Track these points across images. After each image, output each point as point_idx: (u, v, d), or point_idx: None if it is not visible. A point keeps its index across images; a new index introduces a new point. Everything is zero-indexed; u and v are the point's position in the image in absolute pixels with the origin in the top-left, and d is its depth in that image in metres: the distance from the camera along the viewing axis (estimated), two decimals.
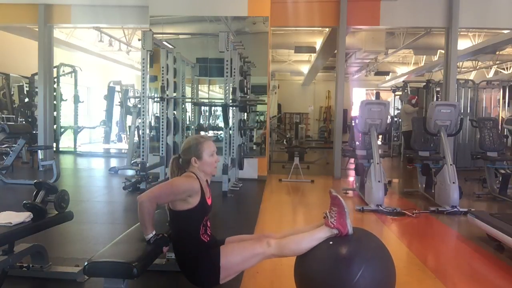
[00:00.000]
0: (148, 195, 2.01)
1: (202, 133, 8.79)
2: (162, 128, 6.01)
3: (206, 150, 2.18)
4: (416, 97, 9.36)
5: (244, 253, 2.12)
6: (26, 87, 9.95)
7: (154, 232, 2.06)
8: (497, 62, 13.97)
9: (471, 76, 14.99)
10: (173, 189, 2.08)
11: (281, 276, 2.67)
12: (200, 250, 2.10)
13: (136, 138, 7.51)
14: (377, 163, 4.81)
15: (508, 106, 9.95)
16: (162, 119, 6.03)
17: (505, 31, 8.51)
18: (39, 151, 7.14)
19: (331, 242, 2.03)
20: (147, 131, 5.66)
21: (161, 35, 6.90)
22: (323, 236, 2.06)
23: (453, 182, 4.68)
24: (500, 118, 9.38)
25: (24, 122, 9.11)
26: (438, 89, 9.54)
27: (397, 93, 12.14)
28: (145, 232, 2.06)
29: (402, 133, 9.50)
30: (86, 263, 1.88)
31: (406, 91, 10.92)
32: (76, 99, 10.89)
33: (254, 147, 8.46)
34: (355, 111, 10.85)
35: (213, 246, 2.15)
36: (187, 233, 2.12)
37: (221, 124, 6.24)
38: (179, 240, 2.15)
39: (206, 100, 8.83)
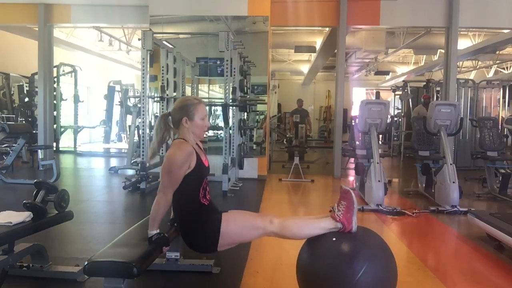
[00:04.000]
0: (161, 191, 2.04)
1: None
2: None
3: (199, 113, 2.16)
4: (429, 96, 9.11)
5: (245, 223, 2.12)
6: (26, 86, 9.94)
7: (158, 230, 2.06)
8: (497, 61, 13.95)
9: (471, 75, 14.97)
10: (175, 164, 2.05)
11: (281, 275, 2.67)
12: (200, 213, 2.11)
13: (136, 138, 7.50)
14: (377, 163, 4.81)
15: (508, 105, 9.94)
16: None
17: (505, 31, 8.50)
18: (39, 150, 7.15)
19: (334, 239, 2.01)
20: (147, 130, 5.66)
21: (161, 35, 6.90)
22: (327, 227, 2.04)
23: (453, 182, 4.68)
24: (500, 117, 9.37)
25: (24, 121, 9.12)
26: (438, 88, 9.54)
27: (397, 92, 12.14)
28: (151, 227, 2.06)
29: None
30: (86, 263, 1.88)
31: (406, 90, 10.92)
32: (76, 99, 10.89)
33: (254, 146, 8.46)
34: (355, 111, 10.85)
35: (214, 211, 2.15)
36: (187, 197, 2.12)
37: (221, 124, 6.24)
38: (180, 205, 2.15)
39: (206, 100, 8.83)
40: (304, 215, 4.88)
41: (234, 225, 2.10)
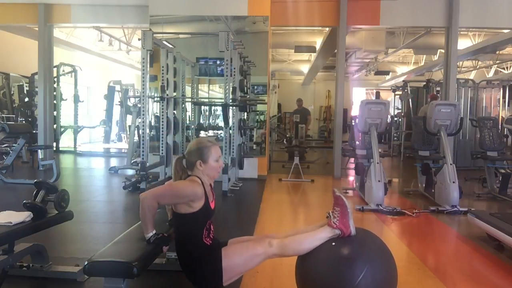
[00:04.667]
0: (150, 194, 2.02)
1: (202, 132, 8.79)
2: (162, 128, 6.01)
3: (213, 155, 2.17)
4: (437, 95, 8.93)
5: (245, 253, 2.11)
6: (26, 86, 9.94)
7: (154, 231, 2.06)
8: (497, 61, 13.95)
9: (471, 75, 14.97)
10: (176, 192, 2.08)
11: (281, 275, 2.67)
12: (202, 253, 2.09)
13: (136, 138, 7.50)
14: (377, 163, 4.81)
15: (508, 105, 9.95)
16: (162, 118, 6.03)
17: (505, 31, 8.50)
18: (39, 150, 7.15)
19: (333, 243, 2.01)
20: (147, 130, 5.66)
21: (161, 35, 6.90)
22: (326, 236, 2.04)
23: (453, 182, 4.68)
24: (500, 117, 9.37)
25: (24, 121, 9.11)
26: (438, 88, 9.53)
27: (397, 92, 12.14)
28: (145, 231, 2.06)
29: None
30: (86, 263, 1.88)
31: (406, 90, 10.92)
32: (76, 99, 10.88)
33: (254, 146, 8.46)
34: (355, 111, 10.84)
35: (215, 248, 2.14)
36: (189, 236, 2.11)
37: (221, 124, 6.24)
38: (181, 243, 2.14)
39: (206, 100, 8.83)
40: (304, 215, 4.90)
41: (235, 258, 2.09)
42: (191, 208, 2.07)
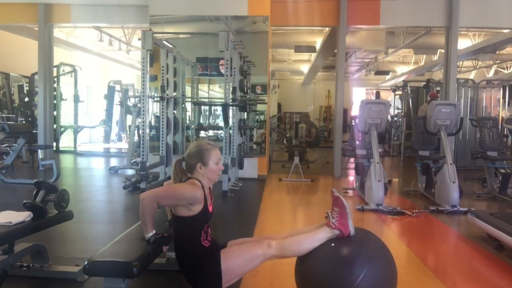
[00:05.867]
0: (150, 194, 2.02)
1: (202, 132, 8.79)
2: (162, 128, 6.01)
3: (213, 158, 2.17)
4: (437, 94, 8.84)
5: (245, 255, 2.11)
6: (26, 86, 9.93)
7: (154, 231, 2.06)
8: (497, 61, 13.95)
9: (471, 75, 14.97)
10: (176, 194, 2.08)
11: (281, 275, 2.67)
12: (201, 255, 2.09)
13: (136, 138, 7.51)
14: (377, 163, 4.81)
15: (508, 105, 9.95)
16: (162, 118, 6.03)
17: (505, 31, 8.50)
18: (39, 150, 7.16)
19: (332, 244, 2.01)
20: (147, 130, 5.65)
21: (161, 35, 6.90)
22: (325, 237, 2.04)
23: (453, 182, 4.68)
24: (500, 117, 9.37)
25: (24, 121, 9.11)
26: (438, 88, 9.53)
27: (397, 92, 12.14)
28: (145, 231, 2.06)
29: None
30: (86, 263, 1.88)
31: (406, 90, 10.92)
32: (76, 99, 10.88)
33: (254, 146, 8.46)
34: (355, 111, 10.84)
35: (214, 250, 2.14)
36: (188, 239, 2.11)
37: (221, 124, 6.24)
38: (180, 245, 2.14)
39: (206, 100, 8.82)
40: (304, 215, 4.90)
41: (234, 260, 2.09)
42: (190, 212, 2.07)
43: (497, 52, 11.60)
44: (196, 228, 2.11)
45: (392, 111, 12.06)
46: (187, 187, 2.09)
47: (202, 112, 9.19)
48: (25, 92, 9.88)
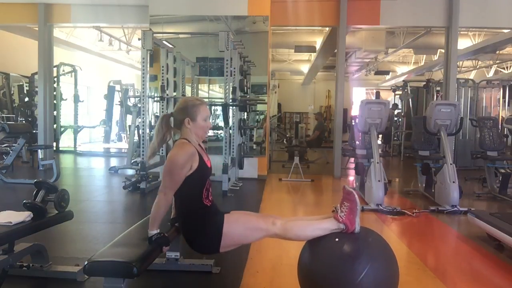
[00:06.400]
0: (161, 191, 2.03)
1: None
2: None
3: (202, 114, 2.16)
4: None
5: (248, 224, 2.11)
6: (26, 86, 9.94)
7: (158, 230, 2.06)
8: (497, 61, 13.95)
9: (471, 75, 14.97)
10: (177, 165, 2.04)
11: (281, 275, 2.67)
12: (203, 214, 2.10)
13: (136, 138, 7.51)
14: (377, 163, 4.81)
15: (508, 105, 9.94)
16: None
17: (505, 31, 8.49)
18: (39, 150, 7.15)
19: (337, 239, 2.01)
20: (147, 130, 5.66)
21: (161, 35, 6.90)
22: (330, 228, 2.03)
23: (453, 182, 4.68)
24: (500, 117, 9.37)
25: (24, 121, 9.11)
26: (438, 88, 9.54)
27: (397, 92, 12.14)
28: (151, 227, 2.05)
29: None
30: (86, 263, 1.88)
31: (406, 90, 10.92)
32: (76, 99, 10.89)
33: (254, 146, 8.46)
34: (355, 111, 10.85)
35: (217, 213, 2.15)
36: (190, 198, 2.12)
37: (221, 124, 6.24)
38: (182, 206, 2.15)
39: (206, 100, 8.81)
40: (304, 215, 4.89)
41: (237, 226, 2.09)
42: (190, 170, 2.07)
43: (497, 52, 11.59)
44: (196, 186, 2.11)
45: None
46: (177, 150, 2.07)
47: None
48: (25, 92, 9.89)
